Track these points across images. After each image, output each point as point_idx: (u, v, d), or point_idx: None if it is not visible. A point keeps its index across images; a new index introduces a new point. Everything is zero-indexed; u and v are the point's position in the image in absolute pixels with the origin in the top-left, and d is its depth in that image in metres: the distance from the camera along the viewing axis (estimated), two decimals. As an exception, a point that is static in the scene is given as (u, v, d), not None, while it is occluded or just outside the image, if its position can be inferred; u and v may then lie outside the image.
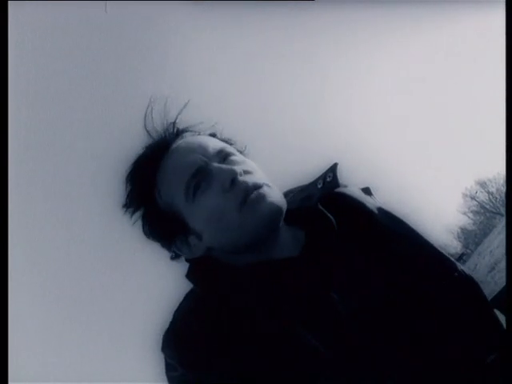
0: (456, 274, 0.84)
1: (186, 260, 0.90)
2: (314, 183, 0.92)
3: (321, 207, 0.88)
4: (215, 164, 0.84)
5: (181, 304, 0.86)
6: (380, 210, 0.89)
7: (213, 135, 0.92)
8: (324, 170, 0.92)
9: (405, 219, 0.89)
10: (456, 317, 0.81)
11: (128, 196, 0.89)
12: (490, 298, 0.89)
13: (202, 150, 0.86)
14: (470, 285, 0.85)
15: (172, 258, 0.91)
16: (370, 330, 0.77)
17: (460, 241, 17.57)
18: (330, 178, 0.89)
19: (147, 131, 0.89)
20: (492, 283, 4.53)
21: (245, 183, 0.82)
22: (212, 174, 0.83)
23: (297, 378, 0.74)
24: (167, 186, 0.85)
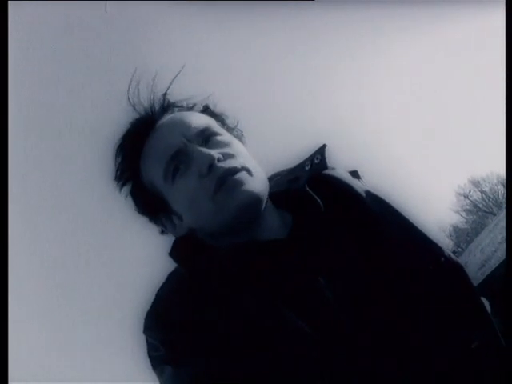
0: (443, 258, 0.83)
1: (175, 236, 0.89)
2: (301, 165, 0.90)
3: (308, 189, 0.85)
4: (195, 147, 0.81)
5: (163, 284, 0.84)
6: (368, 193, 0.87)
7: (206, 108, 0.90)
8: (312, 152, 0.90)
9: (393, 203, 0.87)
10: (442, 302, 0.79)
11: (117, 170, 0.88)
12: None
13: (183, 129, 0.83)
14: (456, 270, 0.83)
15: (161, 233, 0.90)
16: (356, 314, 0.76)
17: (452, 239, 17.60)
18: (317, 160, 0.87)
19: (132, 105, 0.86)
20: (482, 279, 4.59)
21: (222, 169, 0.79)
22: (191, 156, 0.81)
23: (282, 360, 0.72)
24: (148, 165, 0.84)
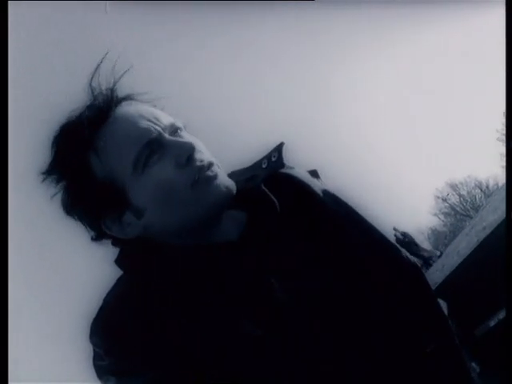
0: (400, 259, 0.81)
1: (113, 244, 0.82)
2: (258, 163, 0.87)
3: (264, 188, 0.82)
4: (170, 137, 0.77)
5: (111, 289, 0.79)
6: (326, 192, 0.85)
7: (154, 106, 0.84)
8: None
9: (351, 203, 0.85)
10: (398, 303, 0.78)
11: (53, 161, 0.78)
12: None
13: (155, 119, 0.78)
14: (413, 272, 0.82)
15: (93, 239, 0.81)
16: (310, 316, 0.74)
17: (430, 242, 17.70)
18: (274, 158, 0.85)
19: (91, 88, 0.79)
20: (440, 281, 4.62)
21: (201, 161, 0.76)
22: (166, 146, 0.76)
23: (234, 364, 0.70)
24: (113, 153, 0.76)
